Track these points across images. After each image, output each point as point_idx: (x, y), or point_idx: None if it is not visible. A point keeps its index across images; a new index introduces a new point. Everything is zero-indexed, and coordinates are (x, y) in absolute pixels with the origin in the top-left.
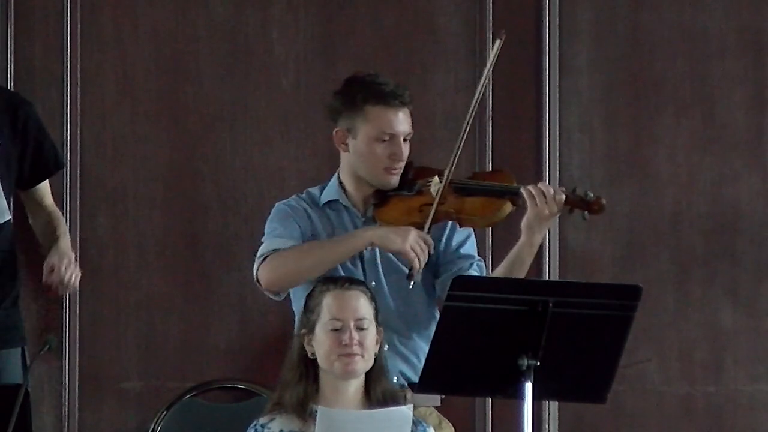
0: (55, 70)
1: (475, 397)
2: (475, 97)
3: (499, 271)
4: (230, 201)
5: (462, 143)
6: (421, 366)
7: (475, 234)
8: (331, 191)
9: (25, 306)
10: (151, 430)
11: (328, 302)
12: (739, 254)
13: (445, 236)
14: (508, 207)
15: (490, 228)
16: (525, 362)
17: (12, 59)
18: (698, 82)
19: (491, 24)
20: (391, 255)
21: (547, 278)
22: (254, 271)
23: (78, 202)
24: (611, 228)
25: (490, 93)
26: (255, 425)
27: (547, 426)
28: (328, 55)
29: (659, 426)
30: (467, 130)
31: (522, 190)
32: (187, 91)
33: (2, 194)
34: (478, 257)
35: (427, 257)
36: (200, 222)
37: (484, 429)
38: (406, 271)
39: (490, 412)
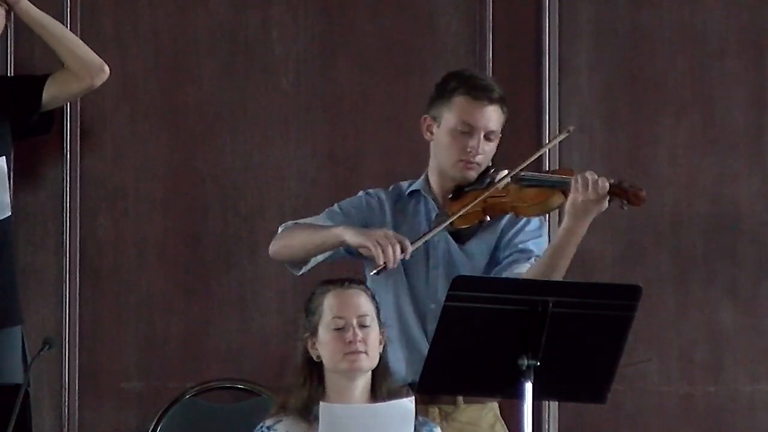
0: (54, 70)
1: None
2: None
3: (542, 259)
4: (230, 201)
5: (547, 147)
6: None
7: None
8: (418, 182)
9: (25, 305)
10: (151, 430)
11: (329, 302)
12: (739, 254)
13: (502, 227)
14: (559, 197)
15: None
16: (525, 362)
17: (12, 59)
18: (698, 82)
19: (491, 24)
20: (455, 250)
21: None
22: None
23: (78, 202)
24: (611, 228)
25: None
26: (261, 427)
27: (547, 426)
28: (328, 55)
29: (659, 426)
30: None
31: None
32: (187, 91)
33: (6, 189)
34: (538, 254)
35: (397, 255)
36: (200, 222)
37: None
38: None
39: None
